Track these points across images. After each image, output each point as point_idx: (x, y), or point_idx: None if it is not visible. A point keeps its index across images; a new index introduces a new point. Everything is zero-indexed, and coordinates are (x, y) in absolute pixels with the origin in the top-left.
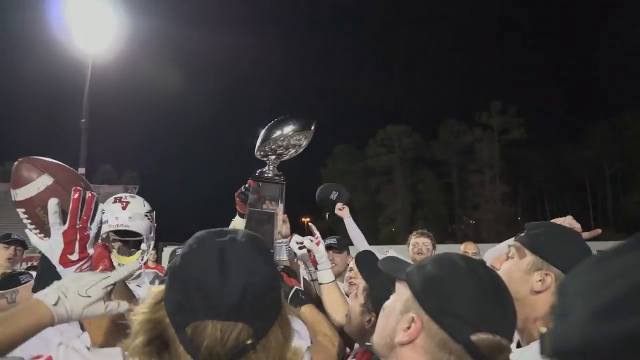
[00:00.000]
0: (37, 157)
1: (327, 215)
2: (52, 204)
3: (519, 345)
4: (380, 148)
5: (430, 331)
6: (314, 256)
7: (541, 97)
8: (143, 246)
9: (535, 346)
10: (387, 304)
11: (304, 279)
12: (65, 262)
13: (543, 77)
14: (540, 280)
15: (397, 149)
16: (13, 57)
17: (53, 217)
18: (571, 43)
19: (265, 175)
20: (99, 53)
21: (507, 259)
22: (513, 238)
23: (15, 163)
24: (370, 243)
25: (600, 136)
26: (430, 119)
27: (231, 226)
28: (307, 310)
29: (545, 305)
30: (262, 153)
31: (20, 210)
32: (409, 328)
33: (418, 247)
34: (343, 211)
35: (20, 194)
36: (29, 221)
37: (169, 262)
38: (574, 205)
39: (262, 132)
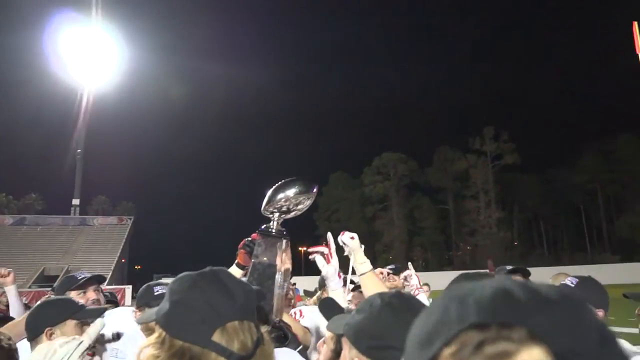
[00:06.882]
0: None
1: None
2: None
3: None
4: (376, 176)
5: None
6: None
7: (533, 122)
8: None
9: None
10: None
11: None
12: None
13: (534, 103)
14: None
15: (392, 176)
16: (9, 89)
17: None
18: (562, 68)
19: (270, 229)
20: (95, 84)
21: None
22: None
23: None
24: None
25: (592, 160)
26: (425, 146)
27: None
28: None
29: None
30: (267, 212)
31: None
32: None
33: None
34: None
35: None
36: None
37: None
38: (569, 228)
39: (268, 194)
